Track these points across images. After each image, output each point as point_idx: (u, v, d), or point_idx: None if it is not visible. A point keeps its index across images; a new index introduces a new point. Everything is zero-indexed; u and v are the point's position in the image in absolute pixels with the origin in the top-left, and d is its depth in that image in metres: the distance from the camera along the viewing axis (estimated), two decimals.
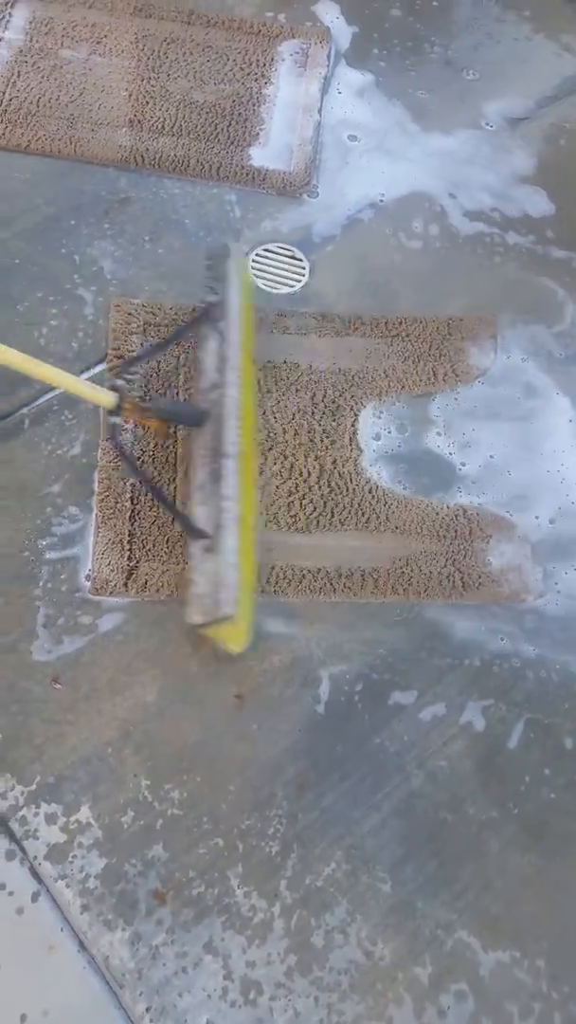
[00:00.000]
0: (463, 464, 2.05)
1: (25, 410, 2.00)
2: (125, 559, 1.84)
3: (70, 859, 1.59)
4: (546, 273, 2.34)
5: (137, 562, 1.84)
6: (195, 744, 1.71)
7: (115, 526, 1.86)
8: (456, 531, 1.97)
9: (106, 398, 1.65)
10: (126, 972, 1.52)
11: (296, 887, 1.60)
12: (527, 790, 1.72)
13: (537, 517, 2.00)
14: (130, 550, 1.85)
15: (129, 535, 1.86)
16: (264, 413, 2.05)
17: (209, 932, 1.56)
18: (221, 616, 1.60)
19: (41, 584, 1.82)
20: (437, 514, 1.98)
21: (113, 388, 1.68)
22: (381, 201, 2.40)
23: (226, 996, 1.52)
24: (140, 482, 1.74)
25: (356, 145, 2.50)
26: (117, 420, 1.71)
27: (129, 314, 2.11)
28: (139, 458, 1.93)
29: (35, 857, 1.59)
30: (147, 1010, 1.50)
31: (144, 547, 1.85)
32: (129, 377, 1.85)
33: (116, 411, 1.68)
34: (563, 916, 1.62)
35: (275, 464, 1.99)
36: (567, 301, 2.31)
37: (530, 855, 1.67)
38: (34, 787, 1.64)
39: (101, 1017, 1.50)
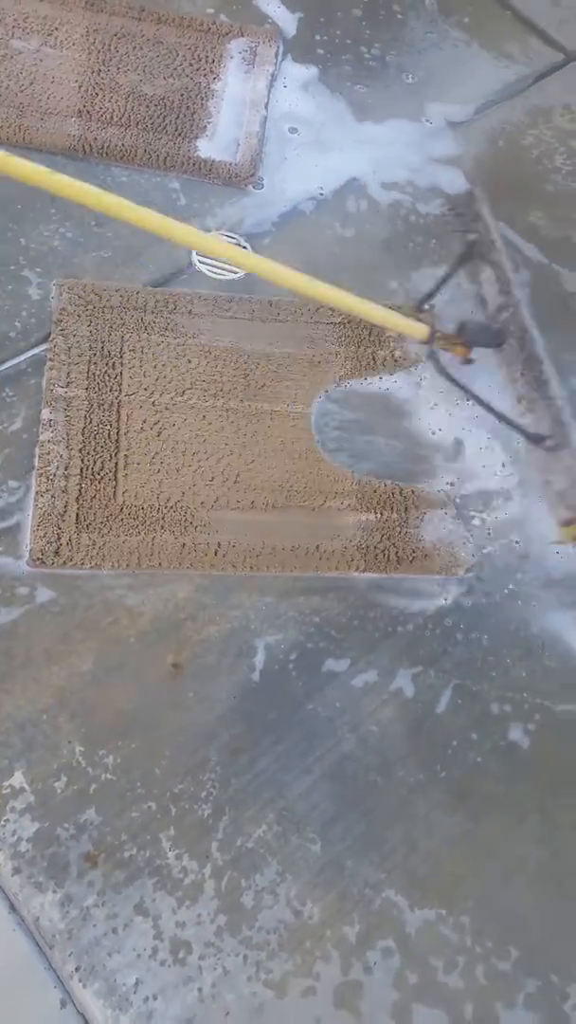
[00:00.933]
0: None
1: None
2: (63, 532, 1.86)
3: (2, 823, 1.60)
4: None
5: (74, 535, 1.86)
6: (130, 711, 1.73)
7: (53, 499, 1.88)
8: (392, 507, 2.02)
9: (420, 330, 1.89)
10: (56, 933, 1.53)
11: (227, 849, 1.63)
12: (454, 754, 1.76)
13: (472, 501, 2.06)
14: (67, 523, 1.87)
15: (66, 508, 1.88)
16: (215, 395, 2.09)
17: (140, 893, 1.58)
18: None
19: None
20: (375, 491, 2.03)
21: (421, 321, 1.89)
22: (321, 194, 2.47)
23: (156, 955, 1.54)
24: (473, 399, 1.91)
25: (298, 138, 2.57)
26: (434, 349, 1.92)
27: (73, 295, 2.14)
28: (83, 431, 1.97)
29: None
30: (76, 970, 1.51)
31: (82, 520, 1.88)
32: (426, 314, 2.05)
33: (430, 340, 1.90)
34: (487, 875, 1.67)
35: (225, 444, 2.03)
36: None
37: (456, 816, 1.71)
38: None
39: (30, 977, 1.51)
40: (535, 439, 1.85)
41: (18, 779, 1.64)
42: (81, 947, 1.52)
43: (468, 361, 2.01)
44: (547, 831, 1.72)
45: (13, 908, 1.55)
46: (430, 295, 2.08)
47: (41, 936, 1.53)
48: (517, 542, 2.01)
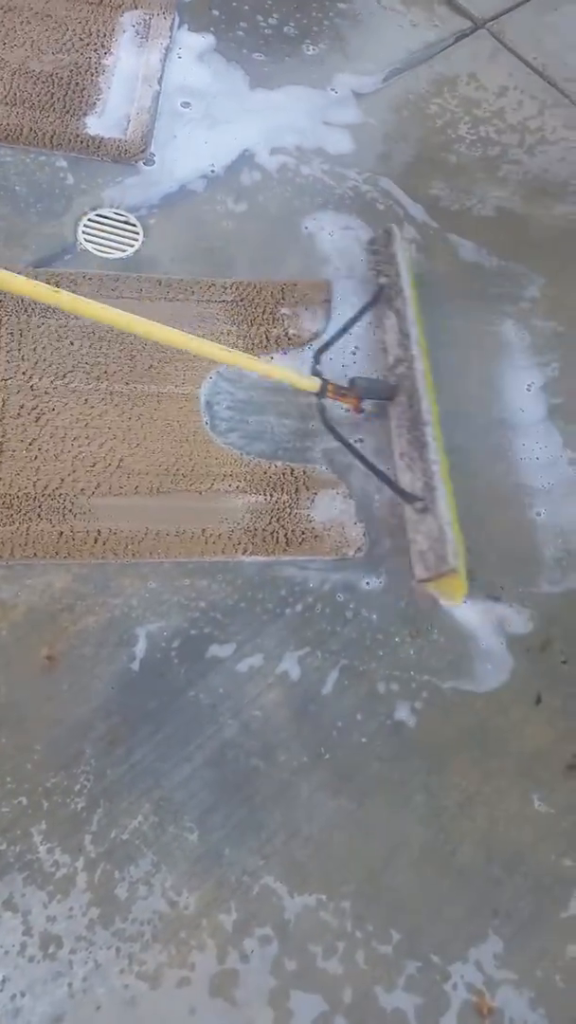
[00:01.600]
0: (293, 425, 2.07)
1: None
2: None
3: None
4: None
5: None
6: (1, 705, 1.68)
7: None
8: (283, 488, 1.98)
9: (311, 383, 1.93)
10: None
11: (101, 841, 1.59)
12: (339, 735, 1.73)
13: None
14: None
15: None
16: (103, 376, 2.03)
17: (9, 889, 1.54)
18: (446, 570, 1.76)
19: None
20: (265, 472, 1.99)
21: (315, 374, 1.97)
22: (212, 170, 2.40)
23: (24, 951, 1.50)
24: (357, 458, 1.94)
25: (190, 112, 2.50)
26: (323, 401, 1.93)
27: None
28: None
29: None
30: None
31: None
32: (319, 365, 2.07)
33: (321, 393, 1.93)
34: (369, 858, 1.64)
35: (108, 428, 1.97)
36: None
37: (340, 798, 1.68)
38: None
39: None
40: (408, 498, 1.88)
41: None
42: None
43: (360, 411, 2.02)
44: (431, 810, 1.69)
45: None
46: (330, 342, 2.08)
47: None
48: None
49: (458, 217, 2.46)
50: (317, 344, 2.11)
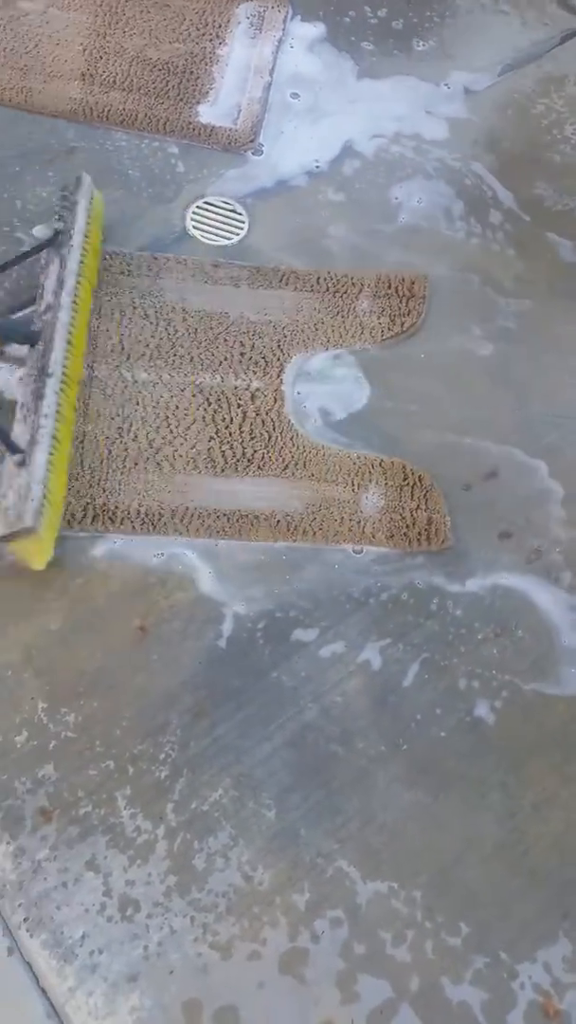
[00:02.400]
0: (385, 417, 2.08)
1: None
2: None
3: None
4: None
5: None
6: (95, 671, 1.74)
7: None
8: (371, 479, 1.99)
9: None
10: (6, 883, 1.55)
11: (182, 811, 1.64)
12: (417, 727, 1.75)
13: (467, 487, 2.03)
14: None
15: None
16: (192, 360, 2.08)
17: (92, 850, 1.59)
18: (22, 528, 1.67)
19: None
20: (353, 463, 2.01)
21: None
22: (317, 163, 2.43)
23: (104, 911, 1.55)
24: None
25: (299, 103, 2.53)
26: None
27: None
28: None
29: None
30: (24, 920, 1.53)
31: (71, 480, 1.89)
32: None
33: None
34: (442, 851, 1.65)
35: (198, 410, 2.02)
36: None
37: (415, 791, 1.69)
38: None
39: None
40: (11, 449, 1.77)
41: None
42: (31, 899, 1.55)
43: (0, 354, 1.92)
44: (506, 810, 1.69)
45: None
46: None
47: None
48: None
49: (561, 217, 2.44)
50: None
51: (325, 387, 2.10)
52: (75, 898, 1.55)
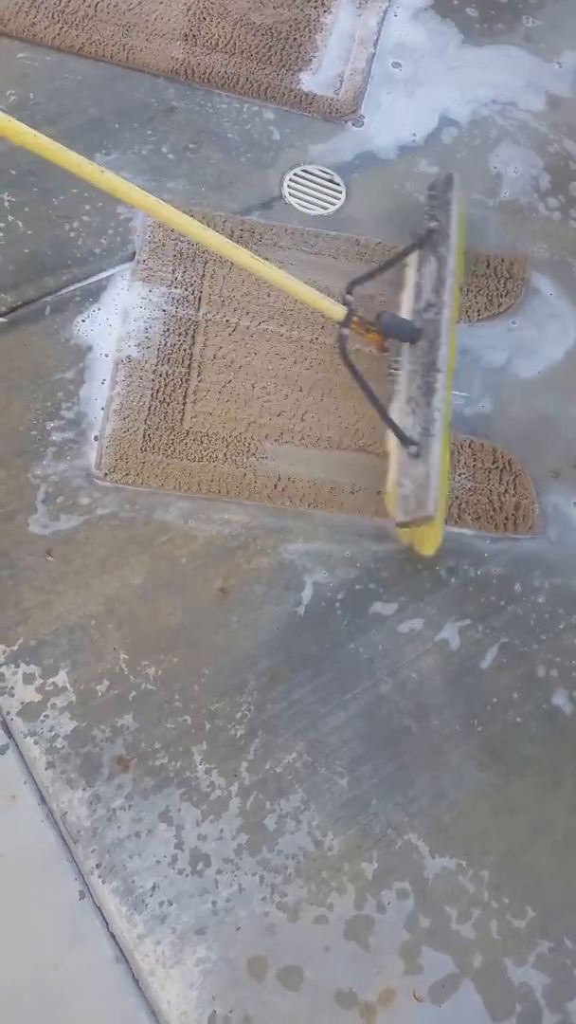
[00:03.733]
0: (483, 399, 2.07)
1: (48, 298, 2.04)
2: (130, 449, 1.88)
3: (42, 718, 1.65)
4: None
5: (140, 454, 1.88)
6: (175, 628, 1.75)
7: (124, 417, 1.90)
8: (461, 461, 1.98)
9: (337, 311, 1.84)
10: (81, 829, 1.58)
11: (256, 770, 1.65)
12: (493, 710, 1.74)
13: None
14: (135, 442, 1.88)
15: (136, 427, 1.90)
16: (290, 329, 2.07)
17: (166, 802, 1.61)
18: (423, 516, 1.73)
19: (44, 463, 1.86)
20: (451, 444, 1.99)
21: (344, 303, 1.85)
22: (414, 136, 2.40)
23: (175, 864, 1.57)
24: (363, 390, 1.86)
25: (401, 74, 2.50)
26: (346, 331, 1.86)
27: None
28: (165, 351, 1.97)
29: (8, 712, 1.64)
30: (97, 866, 1.55)
31: (149, 440, 1.89)
32: (351, 296, 1.98)
33: (346, 323, 1.84)
34: (512, 834, 1.65)
35: (296, 380, 2.01)
36: None
37: (487, 772, 1.69)
38: (16, 648, 1.69)
39: (53, 866, 1.56)
40: (405, 441, 1.81)
41: (62, 678, 1.68)
42: (104, 846, 1.57)
43: (383, 349, 1.96)
44: None
45: (43, 800, 1.60)
46: (369, 274, 1.99)
47: (67, 830, 1.58)
48: None
49: None
50: (354, 276, 2.00)
51: None
52: (147, 848, 1.57)
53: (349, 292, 1.90)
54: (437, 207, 2.10)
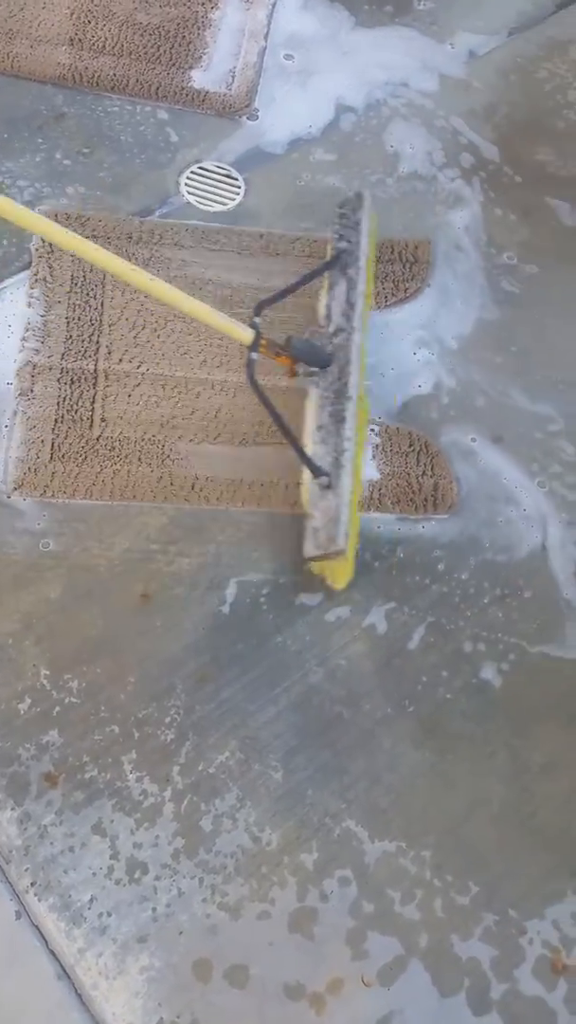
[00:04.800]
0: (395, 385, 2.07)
1: None
2: (39, 460, 1.85)
3: None
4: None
5: (50, 464, 1.85)
6: (97, 638, 1.73)
7: (31, 428, 1.88)
8: (380, 447, 1.98)
9: (245, 335, 1.77)
10: (13, 848, 1.55)
11: (188, 773, 1.63)
12: (423, 690, 1.74)
13: (474, 439, 2.01)
14: (44, 452, 1.86)
15: (43, 437, 1.87)
16: (197, 328, 2.05)
17: (99, 814, 1.59)
18: (333, 551, 1.69)
19: None
20: (369, 431, 1.99)
21: (251, 326, 1.78)
22: (311, 126, 2.39)
23: (111, 875, 1.55)
24: (272, 417, 1.79)
25: (293, 66, 2.49)
26: (254, 356, 1.79)
27: (56, 221, 2.11)
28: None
29: None
30: (32, 884, 1.53)
31: (58, 450, 1.87)
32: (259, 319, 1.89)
33: (254, 347, 1.77)
34: (450, 811, 1.65)
35: (207, 378, 2.00)
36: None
37: (422, 751, 1.69)
38: None
39: None
40: (316, 472, 1.77)
41: None
42: (37, 863, 1.54)
43: (293, 374, 1.91)
44: (513, 770, 1.69)
45: None
46: (278, 295, 1.92)
47: None
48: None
49: (565, 183, 2.41)
50: (262, 297, 1.91)
51: None
52: (82, 862, 1.55)
53: (257, 315, 1.83)
54: (347, 227, 2.05)
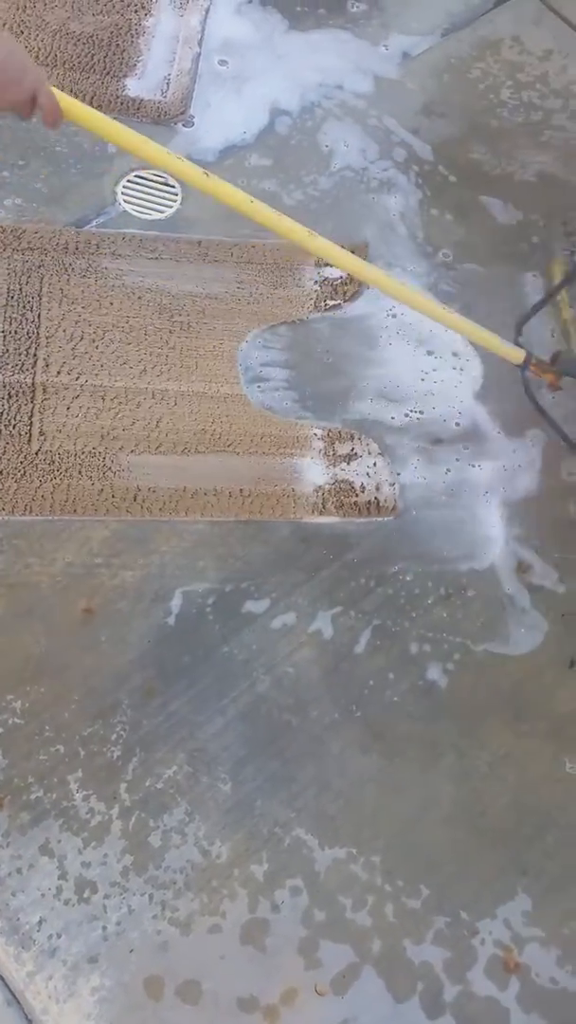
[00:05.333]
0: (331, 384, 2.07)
1: None
2: None
3: None
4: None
5: None
6: (39, 656, 1.71)
7: None
8: (318, 449, 1.98)
9: (516, 355, 1.89)
10: None
11: (136, 790, 1.62)
12: (370, 693, 1.74)
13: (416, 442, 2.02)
14: None
15: None
16: (137, 338, 2.04)
17: (45, 835, 1.57)
18: None
19: None
20: (301, 433, 1.99)
21: (517, 345, 1.92)
22: (245, 132, 2.39)
23: (60, 895, 1.53)
24: (556, 432, 1.95)
25: (228, 71, 2.49)
26: (528, 374, 1.92)
27: None
28: None
29: None
30: None
31: None
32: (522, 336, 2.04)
33: (524, 365, 1.90)
34: (399, 814, 1.65)
35: (146, 388, 1.98)
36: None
37: (370, 755, 1.69)
38: None
39: None
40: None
41: None
42: None
43: (557, 388, 2.02)
44: (462, 770, 1.70)
45: None
46: (528, 317, 2.07)
47: None
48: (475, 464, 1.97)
49: (498, 181, 2.43)
50: (520, 315, 2.09)
51: (275, 359, 2.08)
52: (30, 883, 1.53)
53: (519, 333, 1.97)
54: None
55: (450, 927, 1.58)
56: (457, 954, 1.56)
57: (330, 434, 2.00)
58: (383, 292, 1.77)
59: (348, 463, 1.97)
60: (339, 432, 2.01)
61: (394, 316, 2.16)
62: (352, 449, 1.99)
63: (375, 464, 1.97)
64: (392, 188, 2.36)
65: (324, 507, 1.92)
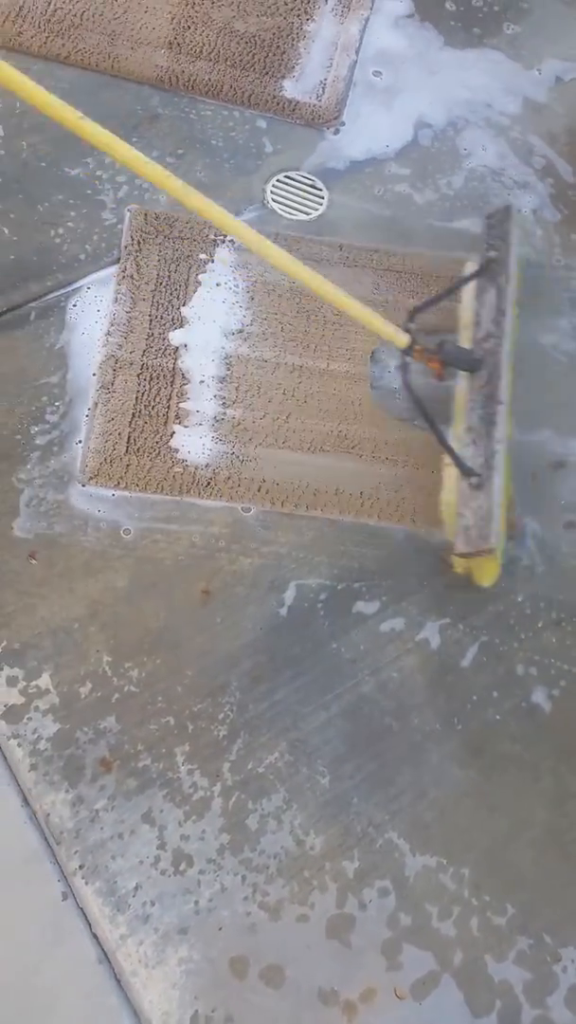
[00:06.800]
0: None
1: (34, 304, 2.06)
2: (114, 453, 1.89)
3: (25, 720, 1.66)
4: None
5: (124, 457, 1.89)
6: (158, 630, 1.76)
7: (108, 421, 1.92)
8: (445, 462, 1.99)
9: (401, 339, 1.83)
10: (64, 830, 1.59)
11: (238, 771, 1.66)
12: (473, 709, 1.76)
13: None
14: (120, 445, 1.90)
15: (120, 431, 1.91)
16: (274, 333, 2.09)
17: (149, 803, 1.62)
18: (485, 549, 1.72)
19: (28, 467, 1.88)
20: (427, 444, 2.00)
21: (405, 331, 1.84)
22: (388, 145, 2.41)
23: (157, 864, 1.58)
24: (425, 419, 1.85)
25: (381, 82, 2.52)
26: (408, 360, 1.86)
27: (146, 222, 2.16)
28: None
29: None
30: (80, 867, 1.56)
31: (133, 444, 1.91)
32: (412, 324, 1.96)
33: (408, 351, 1.85)
34: (492, 831, 1.66)
35: (279, 383, 2.03)
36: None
37: (468, 770, 1.70)
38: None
39: (36, 868, 1.57)
40: (468, 472, 1.82)
41: (45, 681, 1.69)
42: (87, 847, 1.58)
43: (441, 378, 1.95)
44: (558, 795, 1.70)
45: (26, 802, 1.61)
46: (430, 302, 1.98)
47: (50, 832, 1.59)
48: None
49: None
50: (415, 303, 1.99)
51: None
52: (130, 849, 1.59)
53: (411, 320, 1.91)
54: (496, 236, 2.11)
55: (533, 949, 1.58)
56: (538, 977, 1.56)
57: None
58: (259, 255, 1.75)
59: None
60: None
61: None
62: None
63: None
64: (527, 188, 2.38)
65: (443, 521, 1.93)
